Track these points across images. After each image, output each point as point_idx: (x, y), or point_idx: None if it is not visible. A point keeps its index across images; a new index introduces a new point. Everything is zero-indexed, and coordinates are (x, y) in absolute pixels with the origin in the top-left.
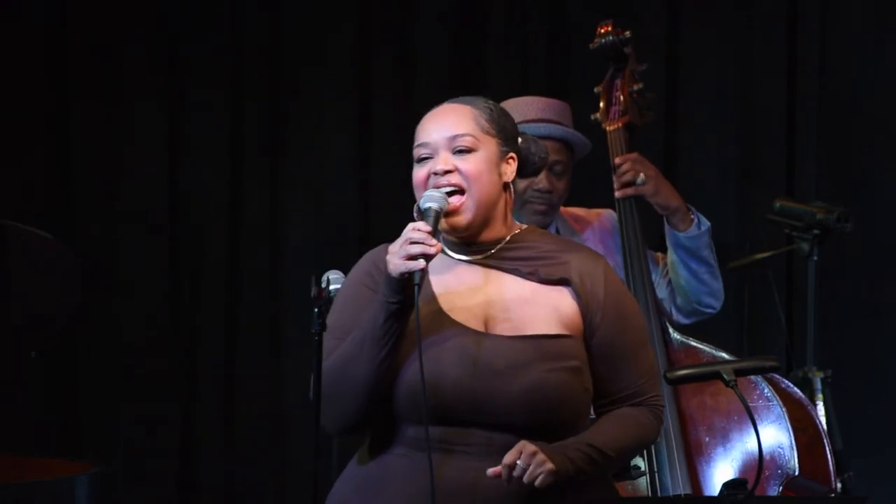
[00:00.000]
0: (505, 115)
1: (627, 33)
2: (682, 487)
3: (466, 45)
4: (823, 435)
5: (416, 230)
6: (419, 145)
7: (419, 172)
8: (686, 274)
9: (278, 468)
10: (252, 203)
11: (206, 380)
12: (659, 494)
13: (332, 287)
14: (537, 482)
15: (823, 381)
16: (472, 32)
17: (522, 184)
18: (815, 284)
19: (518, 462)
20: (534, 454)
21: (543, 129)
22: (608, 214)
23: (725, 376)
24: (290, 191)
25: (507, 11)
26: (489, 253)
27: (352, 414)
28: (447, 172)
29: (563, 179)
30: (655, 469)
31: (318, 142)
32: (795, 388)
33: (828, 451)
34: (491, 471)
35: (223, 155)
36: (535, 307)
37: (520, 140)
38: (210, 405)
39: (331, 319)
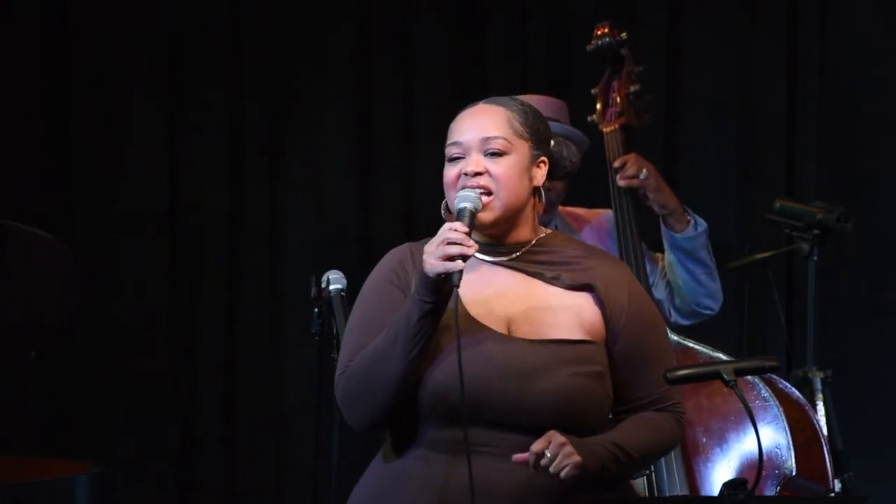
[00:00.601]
0: (539, 118)
1: (624, 35)
2: (679, 488)
3: (466, 45)
4: (821, 435)
5: (453, 230)
6: (452, 144)
7: (450, 172)
8: (683, 275)
9: (278, 468)
10: (252, 203)
11: (206, 380)
12: (656, 495)
13: (332, 287)
14: (563, 474)
15: (823, 381)
16: (472, 32)
17: None
18: (815, 284)
19: (546, 452)
20: (562, 445)
21: None
22: (607, 215)
23: (725, 376)
24: (290, 191)
25: (507, 11)
26: (514, 256)
27: (378, 411)
28: (477, 174)
29: (562, 178)
30: (652, 470)
31: (318, 142)
32: (793, 389)
33: (825, 452)
34: (517, 456)
35: (223, 155)
36: (558, 312)
37: (552, 143)
38: (210, 405)
39: (354, 316)
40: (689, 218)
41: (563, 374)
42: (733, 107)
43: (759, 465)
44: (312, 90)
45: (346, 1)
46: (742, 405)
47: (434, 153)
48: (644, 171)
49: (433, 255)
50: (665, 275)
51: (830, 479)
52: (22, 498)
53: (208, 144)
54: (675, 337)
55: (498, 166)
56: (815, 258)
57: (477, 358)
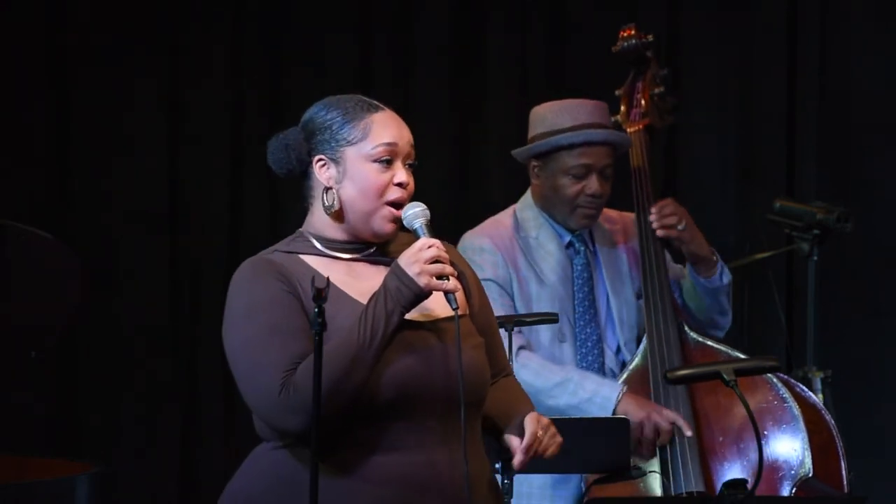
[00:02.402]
0: None
1: (650, 37)
2: (694, 486)
3: (466, 45)
4: (836, 438)
5: (436, 247)
6: (388, 143)
7: (381, 178)
8: (701, 304)
9: None
10: (252, 203)
11: (206, 380)
12: (672, 493)
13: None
14: (547, 453)
15: (823, 381)
16: (472, 32)
17: (574, 189)
18: (815, 284)
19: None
20: (548, 426)
21: (601, 134)
22: (635, 219)
23: (726, 376)
24: (290, 191)
25: (507, 11)
26: (373, 251)
27: (338, 413)
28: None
29: (609, 182)
30: (670, 468)
31: None
32: (809, 392)
33: (840, 455)
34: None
35: (223, 155)
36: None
37: None
38: (210, 405)
39: (258, 324)
40: (715, 263)
41: (467, 348)
42: (733, 107)
43: (760, 463)
44: (312, 90)
45: (346, 1)
46: (742, 405)
47: (433, 153)
48: (683, 222)
49: (427, 273)
50: (682, 289)
51: (845, 483)
52: (22, 498)
53: (208, 144)
54: (694, 334)
55: (412, 180)
56: (815, 258)
57: (396, 349)
